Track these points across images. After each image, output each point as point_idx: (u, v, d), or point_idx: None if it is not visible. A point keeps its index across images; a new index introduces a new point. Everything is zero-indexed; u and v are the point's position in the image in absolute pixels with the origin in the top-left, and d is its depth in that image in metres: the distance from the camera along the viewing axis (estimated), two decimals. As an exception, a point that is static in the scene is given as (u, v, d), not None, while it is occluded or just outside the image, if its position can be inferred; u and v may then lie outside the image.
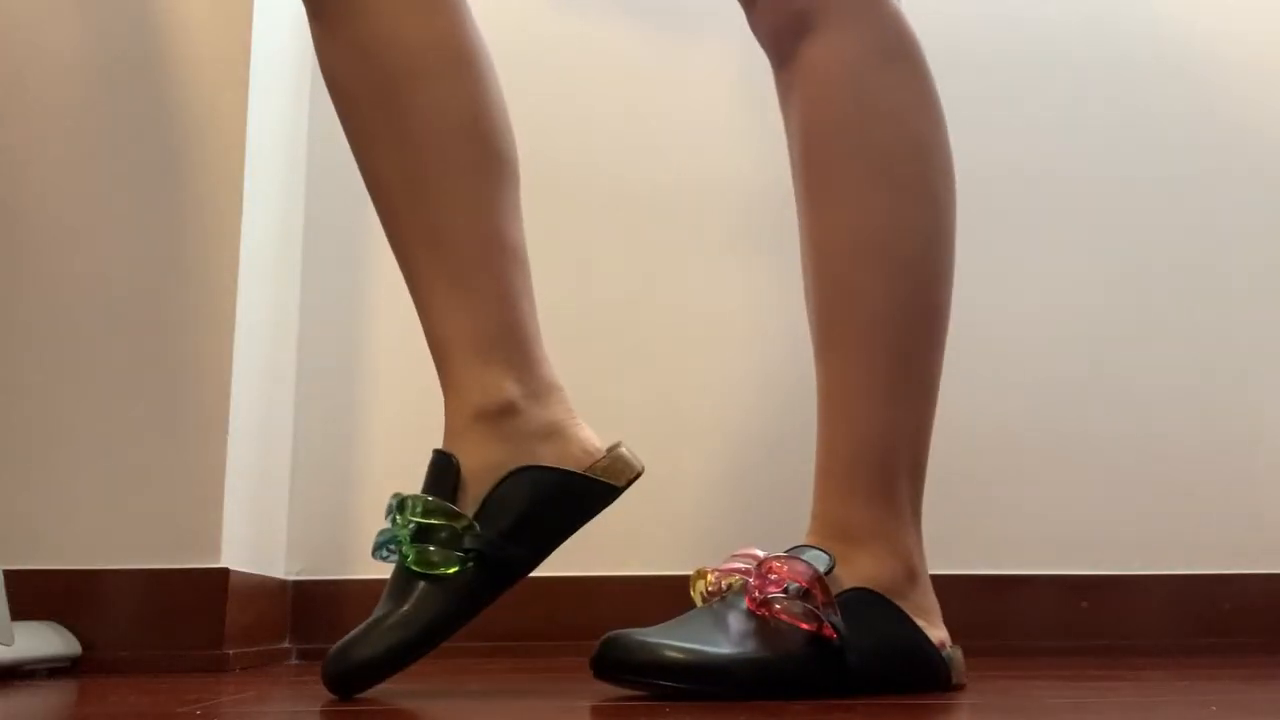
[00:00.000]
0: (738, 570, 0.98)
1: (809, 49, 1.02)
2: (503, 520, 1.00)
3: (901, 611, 0.99)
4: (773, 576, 0.94)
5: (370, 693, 0.99)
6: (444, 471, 1.01)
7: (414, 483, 1.60)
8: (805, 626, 0.93)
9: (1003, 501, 1.64)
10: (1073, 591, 1.60)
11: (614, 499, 1.04)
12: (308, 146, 1.67)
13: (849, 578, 0.97)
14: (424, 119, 1.03)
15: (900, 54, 1.04)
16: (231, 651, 1.30)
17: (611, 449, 1.05)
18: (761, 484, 1.62)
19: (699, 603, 1.01)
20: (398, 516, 1.00)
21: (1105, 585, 1.60)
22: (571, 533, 1.02)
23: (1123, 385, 1.67)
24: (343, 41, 1.05)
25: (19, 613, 1.19)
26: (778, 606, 0.94)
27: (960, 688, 1.02)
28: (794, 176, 1.05)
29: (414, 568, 0.98)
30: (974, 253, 1.69)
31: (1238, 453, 1.65)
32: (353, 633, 0.99)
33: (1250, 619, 1.59)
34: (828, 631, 0.93)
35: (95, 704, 1.00)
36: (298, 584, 1.58)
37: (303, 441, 1.62)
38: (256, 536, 1.45)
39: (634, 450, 1.06)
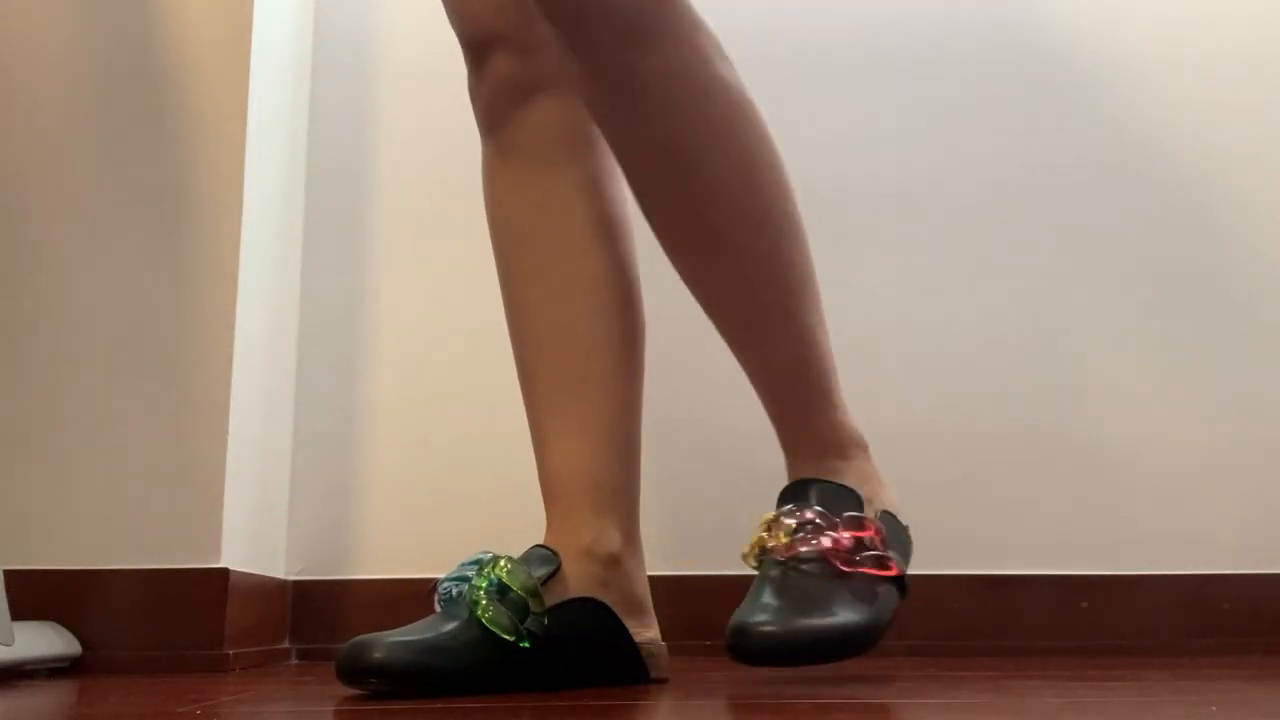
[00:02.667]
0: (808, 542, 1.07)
1: (646, 62, 1.04)
2: (561, 628, 1.06)
3: (893, 516, 1.16)
4: (845, 539, 1.08)
5: (369, 694, 0.99)
6: (544, 564, 1.07)
7: (413, 482, 1.60)
8: (887, 572, 1.10)
9: (1003, 501, 1.64)
10: (1073, 591, 1.60)
11: (638, 682, 1.10)
12: (308, 146, 1.67)
13: (866, 487, 1.14)
14: (592, 273, 1.14)
15: (722, 55, 1.09)
16: (231, 651, 1.30)
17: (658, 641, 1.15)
18: (755, 481, 1.62)
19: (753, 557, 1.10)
20: (489, 570, 1.04)
21: (1105, 585, 1.60)
22: (582, 679, 1.06)
23: (1122, 385, 1.67)
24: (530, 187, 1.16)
25: (19, 613, 1.19)
26: (861, 567, 1.08)
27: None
28: (650, 174, 1.08)
29: (482, 618, 1.02)
30: (971, 254, 1.70)
31: (1237, 453, 1.65)
32: (391, 633, 1.01)
33: (1250, 619, 1.59)
34: (894, 569, 1.10)
35: (95, 704, 1.00)
36: (298, 584, 1.58)
37: (303, 442, 1.62)
38: (256, 536, 1.45)
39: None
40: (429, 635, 1.01)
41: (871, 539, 1.08)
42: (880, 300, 1.68)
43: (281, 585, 1.54)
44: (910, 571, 1.56)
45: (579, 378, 1.13)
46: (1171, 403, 1.67)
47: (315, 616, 1.56)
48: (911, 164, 1.71)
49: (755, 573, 1.09)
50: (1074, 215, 1.71)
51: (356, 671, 0.98)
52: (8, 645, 1.13)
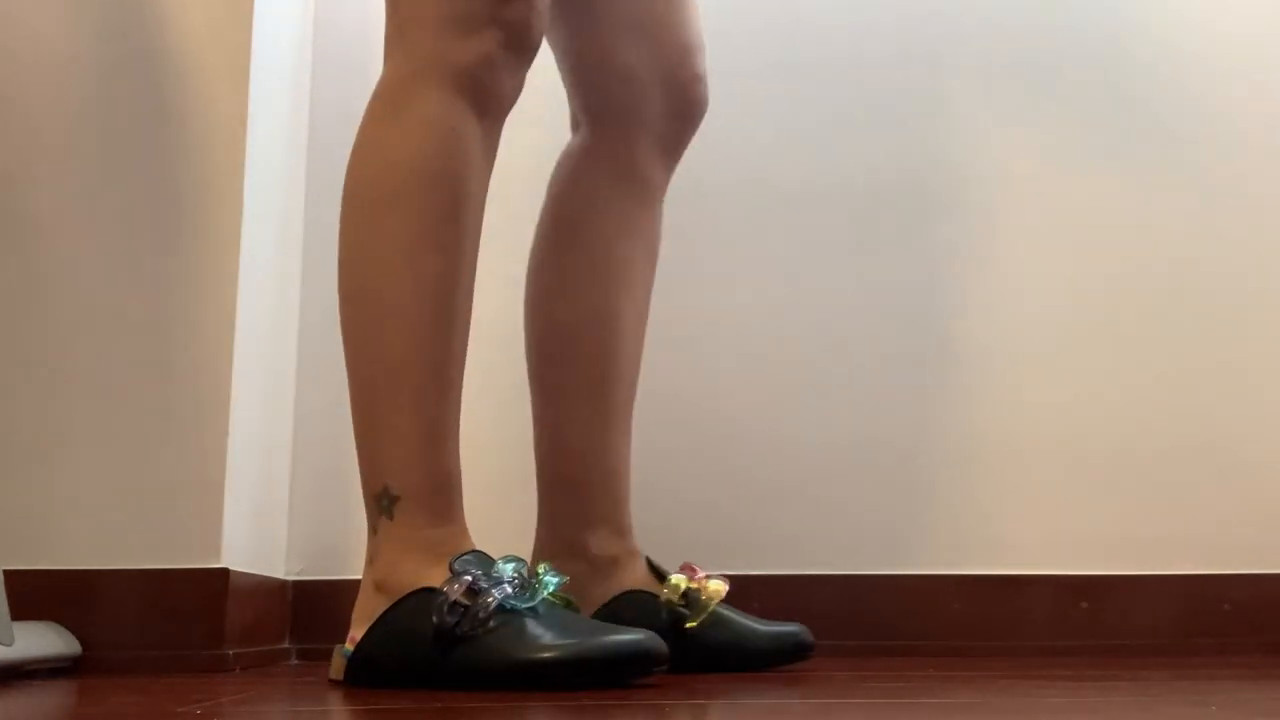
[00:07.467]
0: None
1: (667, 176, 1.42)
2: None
3: None
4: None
5: (370, 693, 0.99)
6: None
7: (414, 483, 1.59)
8: None
9: (1003, 501, 1.64)
10: (1073, 591, 1.60)
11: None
12: (308, 146, 1.67)
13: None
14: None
15: None
16: (231, 651, 1.30)
17: None
18: (754, 485, 1.63)
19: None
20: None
21: (1105, 585, 1.60)
22: None
23: (1122, 386, 1.67)
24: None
25: (19, 613, 1.19)
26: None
27: None
28: (596, 264, 1.37)
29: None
30: (972, 257, 1.70)
31: (1237, 453, 1.65)
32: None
33: (1250, 619, 1.59)
34: None
35: (95, 704, 1.00)
36: (298, 584, 1.57)
37: (302, 441, 1.62)
38: (256, 536, 1.45)
39: None
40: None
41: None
42: (866, 300, 1.68)
43: (281, 585, 1.54)
44: (910, 571, 1.59)
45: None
46: (1171, 402, 1.67)
47: (315, 616, 1.56)
48: (881, 161, 1.71)
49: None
50: (1072, 217, 1.71)
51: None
52: (8, 645, 1.13)
